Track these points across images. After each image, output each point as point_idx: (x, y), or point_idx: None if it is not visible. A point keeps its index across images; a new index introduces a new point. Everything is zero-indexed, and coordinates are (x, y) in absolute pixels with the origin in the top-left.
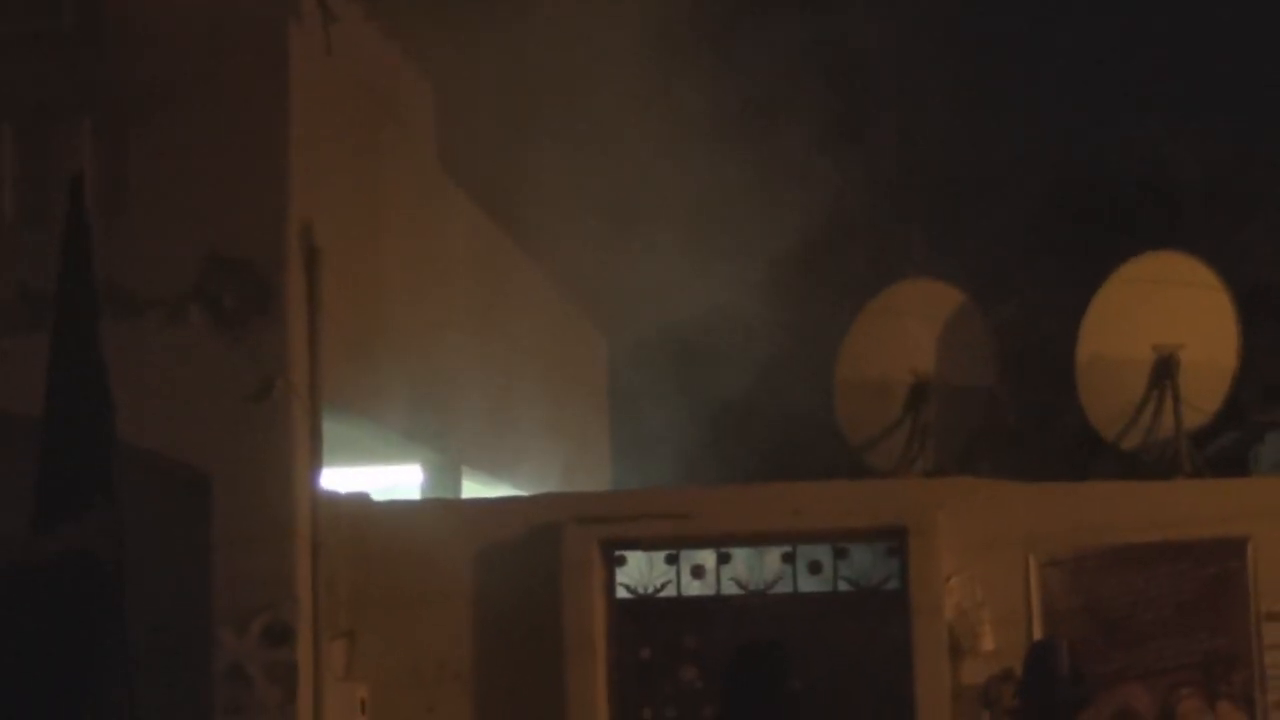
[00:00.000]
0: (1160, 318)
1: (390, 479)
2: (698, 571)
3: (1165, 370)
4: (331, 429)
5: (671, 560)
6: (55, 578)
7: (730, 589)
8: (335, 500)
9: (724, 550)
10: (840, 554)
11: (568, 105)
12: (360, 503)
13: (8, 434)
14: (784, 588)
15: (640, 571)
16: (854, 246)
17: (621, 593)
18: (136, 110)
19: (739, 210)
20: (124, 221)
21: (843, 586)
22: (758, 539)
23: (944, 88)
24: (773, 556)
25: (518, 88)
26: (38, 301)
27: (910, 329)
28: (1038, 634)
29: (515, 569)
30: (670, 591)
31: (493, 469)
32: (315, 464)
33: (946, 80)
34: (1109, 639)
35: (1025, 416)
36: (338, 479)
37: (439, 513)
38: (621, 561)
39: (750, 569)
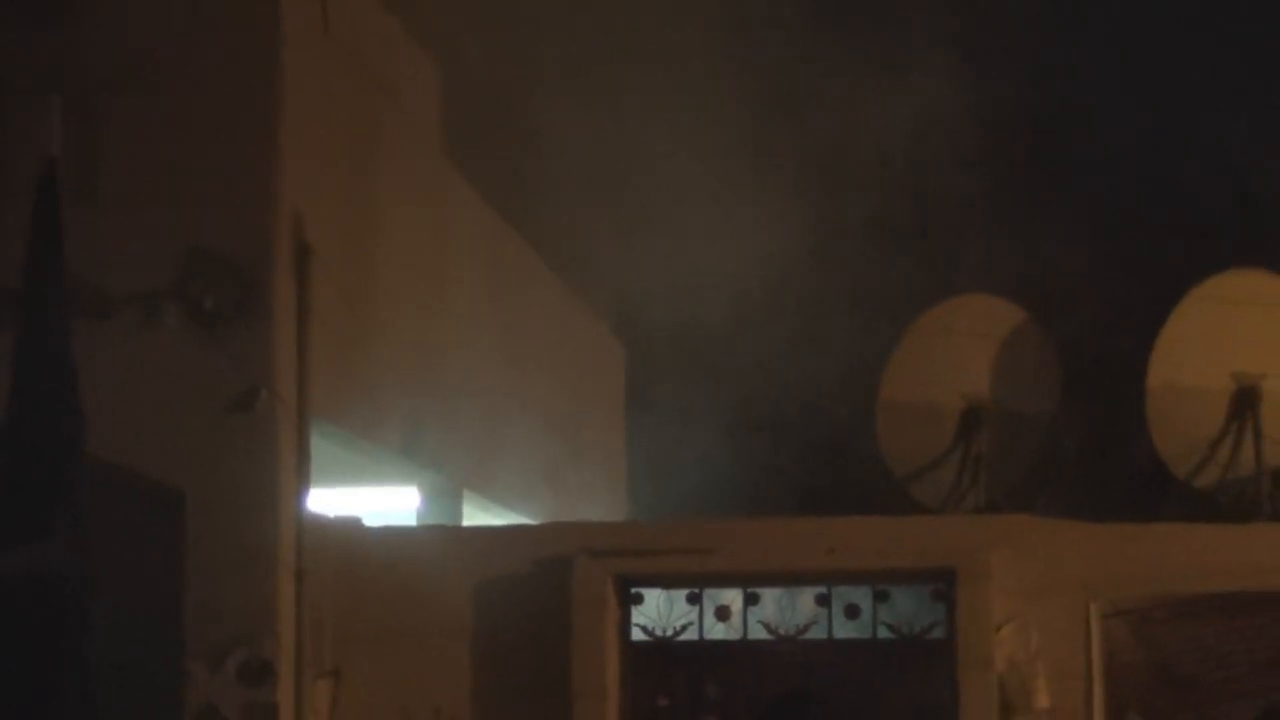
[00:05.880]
0: (1242, 342)
1: (384, 502)
2: (722, 613)
3: (1246, 401)
4: (320, 445)
5: (693, 600)
6: (11, 605)
7: (758, 633)
8: (322, 524)
9: (752, 590)
10: (881, 597)
11: (587, 87)
12: (350, 528)
13: None
14: (818, 633)
15: (659, 611)
16: (900, 254)
17: (637, 634)
18: (111, 90)
19: (773, 207)
20: (95, 212)
21: (883, 633)
22: (790, 578)
23: (994, 58)
24: (806, 598)
25: (532, 68)
26: (1, 299)
27: (963, 348)
28: (1097, 691)
29: (520, 605)
30: (691, 634)
31: (497, 494)
32: (301, 484)
33: (996, 47)
34: (1177, 699)
35: (1088, 448)
36: (326, 501)
37: (437, 541)
38: (638, 600)
39: (781, 611)
